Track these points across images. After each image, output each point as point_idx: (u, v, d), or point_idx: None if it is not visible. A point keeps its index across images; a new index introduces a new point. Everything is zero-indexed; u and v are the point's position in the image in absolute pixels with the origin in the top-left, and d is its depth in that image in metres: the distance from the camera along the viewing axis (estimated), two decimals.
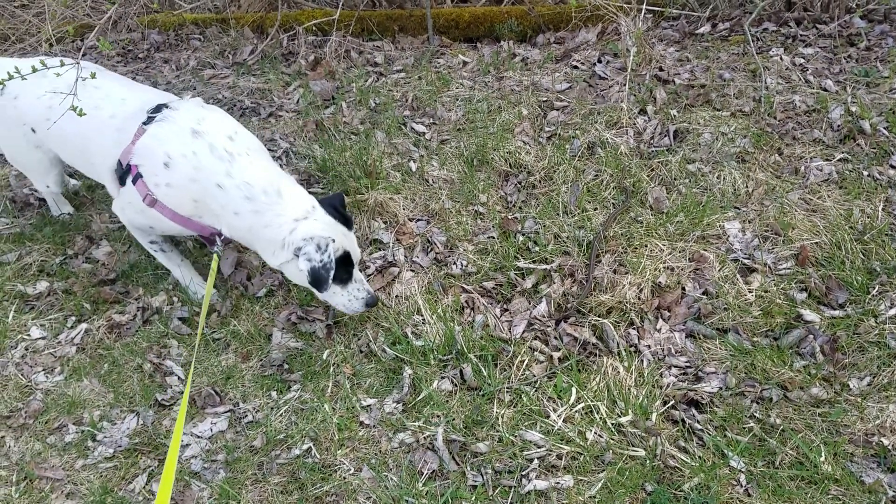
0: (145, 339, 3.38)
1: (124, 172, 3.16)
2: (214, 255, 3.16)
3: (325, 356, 3.23)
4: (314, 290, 3.11)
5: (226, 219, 3.06)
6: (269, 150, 4.43)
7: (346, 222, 3.15)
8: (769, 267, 3.43)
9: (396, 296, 3.51)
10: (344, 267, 3.03)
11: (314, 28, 5.84)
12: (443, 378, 3.09)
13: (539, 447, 2.78)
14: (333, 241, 2.96)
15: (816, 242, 3.50)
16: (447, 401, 2.99)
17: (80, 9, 6.27)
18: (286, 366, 3.23)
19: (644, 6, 5.20)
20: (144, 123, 3.12)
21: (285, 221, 2.97)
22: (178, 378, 3.19)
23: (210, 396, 3.07)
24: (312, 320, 3.41)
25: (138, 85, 3.56)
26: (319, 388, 3.09)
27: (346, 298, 3.14)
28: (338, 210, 3.15)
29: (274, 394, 3.09)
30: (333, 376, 3.13)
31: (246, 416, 3.00)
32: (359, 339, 3.31)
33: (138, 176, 3.10)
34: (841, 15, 4.99)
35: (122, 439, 2.96)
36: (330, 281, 2.97)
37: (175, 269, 3.59)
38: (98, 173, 3.40)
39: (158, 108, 3.15)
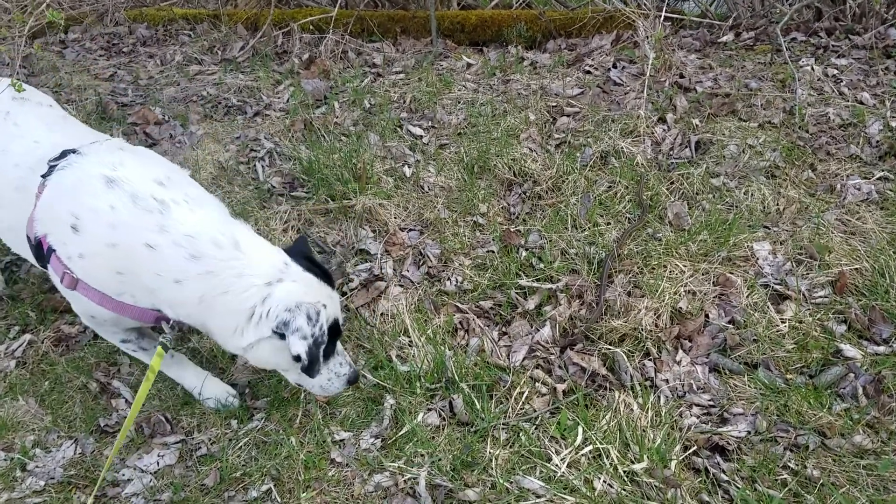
0: (94, 355, 2.98)
1: (37, 250, 2.38)
2: (158, 350, 2.38)
3: None
4: (290, 376, 2.49)
5: (164, 293, 2.26)
6: (252, 150, 4.11)
7: (328, 277, 2.45)
8: (803, 294, 3.04)
9: (382, 314, 3.12)
10: (331, 339, 2.36)
11: (310, 26, 5.50)
12: (429, 410, 2.69)
13: (538, 497, 2.37)
14: (325, 306, 2.28)
15: (856, 268, 3.11)
16: (433, 437, 2.59)
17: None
18: (251, 390, 2.82)
19: (663, 13, 4.86)
20: (44, 176, 2.37)
21: (252, 284, 2.22)
22: (126, 401, 2.79)
23: (160, 424, 2.66)
24: None
25: (68, 122, 2.85)
26: (286, 418, 2.68)
27: (324, 378, 2.45)
28: (313, 262, 2.45)
29: (234, 423, 2.69)
30: (303, 404, 2.73)
31: (199, 448, 2.59)
32: None
33: (50, 251, 2.32)
34: (875, 26, 4.63)
35: (56, 470, 2.56)
36: (321, 360, 2.30)
37: (174, 373, 2.76)
38: (20, 249, 2.63)
39: (64, 155, 2.41)
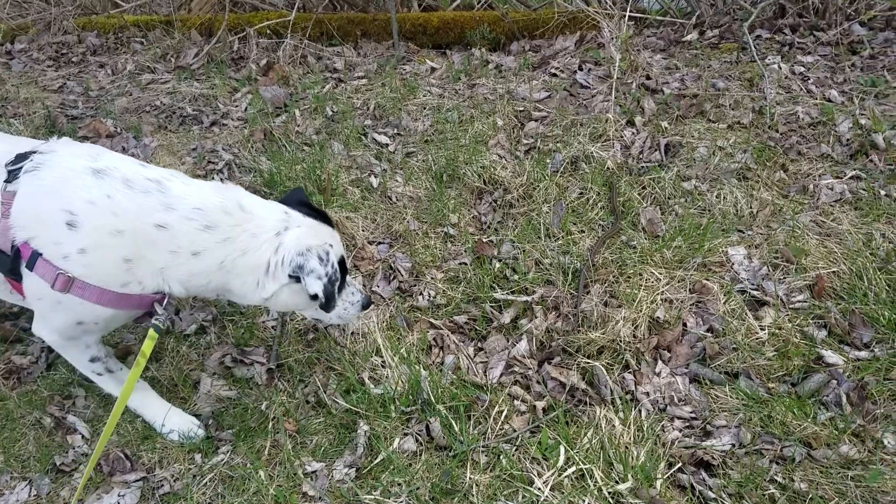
0: (47, 388, 2.81)
1: (13, 261, 2.25)
2: (150, 333, 2.32)
3: (263, 408, 2.69)
4: (308, 313, 2.64)
5: (180, 268, 2.30)
6: (209, 162, 3.95)
7: (326, 219, 2.58)
8: (782, 300, 2.99)
9: (353, 333, 3.00)
10: (341, 273, 2.48)
11: (267, 30, 5.34)
12: (405, 435, 2.57)
13: None
14: (332, 245, 2.42)
15: (834, 271, 3.06)
16: (410, 464, 2.47)
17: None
18: (215, 421, 2.68)
19: (627, 13, 4.81)
20: (6, 181, 2.23)
21: (265, 239, 2.34)
22: (83, 437, 2.63)
23: (119, 461, 2.50)
24: (251, 363, 2.87)
25: None
26: (254, 450, 2.54)
27: (341, 308, 2.59)
28: (311, 207, 2.57)
29: (198, 457, 2.53)
30: (272, 434, 2.59)
31: (162, 485, 2.44)
32: (305, 387, 2.78)
33: (35, 256, 2.20)
34: (839, 22, 4.62)
35: None
36: (336, 294, 2.44)
37: (135, 401, 2.64)
38: None
39: (22, 158, 2.27)
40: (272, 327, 3.04)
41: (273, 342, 2.95)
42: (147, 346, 2.30)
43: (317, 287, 2.33)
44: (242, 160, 3.99)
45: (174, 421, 2.62)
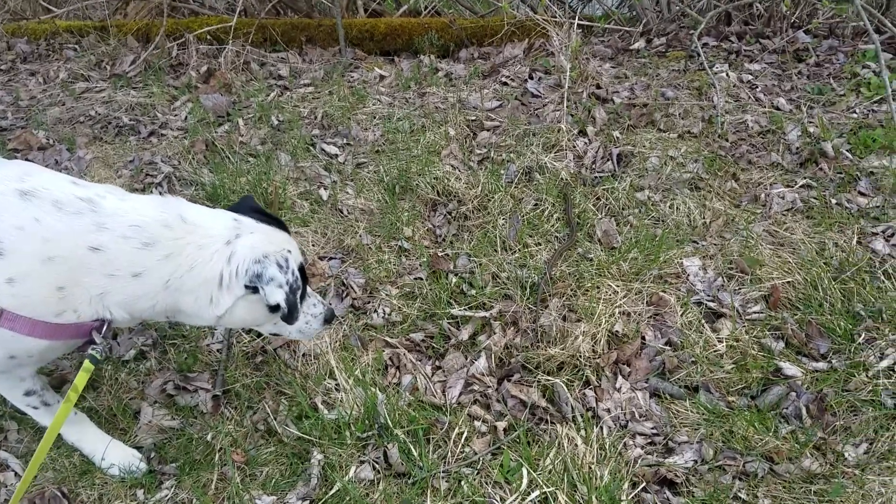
0: None
1: None
2: (85, 365, 2.14)
3: (209, 438, 2.54)
4: (266, 328, 2.43)
5: (121, 292, 2.14)
6: (148, 175, 3.78)
7: (281, 225, 2.43)
8: (738, 311, 2.98)
9: (304, 354, 2.87)
10: (302, 282, 2.33)
11: (208, 36, 5.16)
12: (362, 463, 2.46)
13: None
14: (290, 252, 2.27)
15: (789, 282, 3.07)
16: (367, 494, 2.36)
17: None
18: (157, 453, 2.52)
19: (576, 21, 4.79)
20: None
21: (214, 250, 2.18)
22: (16, 474, 2.45)
23: (56, 499, 2.34)
24: (194, 390, 2.72)
25: None
26: (200, 484, 2.39)
27: (302, 321, 2.41)
28: (262, 213, 2.42)
29: (140, 493, 2.38)
30: (219, 466, 2.44)
31: None
32: (254, 414, 2.65)
33: None
34: (784, 29, 4.69)
35: None
36: (299, 304, 2.26)
37: (73, 435, 2.48)
38: None
39: None
40: (217, 350, 2.89)
41: (218, 366, 2.80)
42: (81, 379, 2.12)
43: (278, 296, 2.18)
44: (183, 172, 3.82)
45: (114, 454, 2.46)
